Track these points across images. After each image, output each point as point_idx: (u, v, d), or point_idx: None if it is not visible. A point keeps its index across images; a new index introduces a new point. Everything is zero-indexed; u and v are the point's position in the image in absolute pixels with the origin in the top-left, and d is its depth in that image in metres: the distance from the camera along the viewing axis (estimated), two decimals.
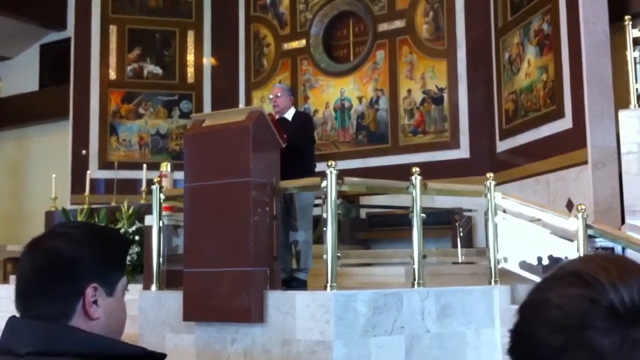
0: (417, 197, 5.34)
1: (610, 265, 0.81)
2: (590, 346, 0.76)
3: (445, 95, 11.27)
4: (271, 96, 6.39)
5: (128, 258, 8.12)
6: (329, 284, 4.79)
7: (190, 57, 13.04)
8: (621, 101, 7.78)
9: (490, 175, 5.97)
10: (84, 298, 1.35)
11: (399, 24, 11.81)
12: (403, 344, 4.90)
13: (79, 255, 1.35)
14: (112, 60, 12.72)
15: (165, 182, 7.82)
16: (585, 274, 0.80)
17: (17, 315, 1.37)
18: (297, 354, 4.73)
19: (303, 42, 12.67)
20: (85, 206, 9.49)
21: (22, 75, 14.17)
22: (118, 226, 8.43)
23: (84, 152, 11.87)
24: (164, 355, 1.40)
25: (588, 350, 0.76)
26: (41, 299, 1.34)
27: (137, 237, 8.17)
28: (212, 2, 13.14)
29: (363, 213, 11.00)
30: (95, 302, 1.36)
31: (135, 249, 8.11)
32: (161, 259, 5.85)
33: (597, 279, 0.79)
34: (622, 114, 7.08)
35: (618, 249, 6.68)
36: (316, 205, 6.10)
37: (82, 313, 1.35)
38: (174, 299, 5.47)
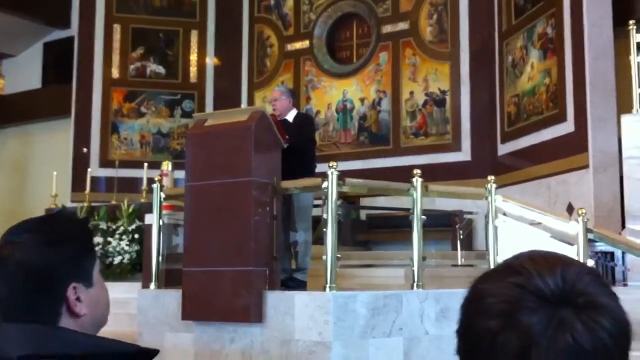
0: (417, 199, 5.33)
1: (537, 257, 0.90)
2: (520, 326, 0.83)
3: (448, 98, 11.26)
4: (270, 99, 6.40)
5: (127, 257, 8.16)
6: (328, 285, 4.78)
7: (193, 57, 13.05)
8: (624, 106, 7.78)
9: (491, 178, 5.96)
10: (66, 301, 1.33)
11: (402, 26, 11.81)
12: (401, 345, 4.89)
13: (48, 264, 1.31)
14: (115, 59, 12.74)
15: (166, 181, 7.82)
16: (514, 265, 0.89)
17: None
18: (295, 354, 4.73)
19: (306, 43, 12.68)
20: (86, 204, 9.49)
21: (25, 73, 14.18)
22: (118, 224, 8.43)
23: (85, 150, 11.87)
24: (157, 351, 1.39)
25: (519, 330, 0.83)
26: (24, 314, 1.31)
27: (136, 236, 8.18)
28: (216, 2, 13.15)
29: (363, 214, 11.00)
30: (78, 299, 1.34)
31: (134, 247, 8.12)
32: (161, 257, 5.84)
33: (525, 268, 0.87)
34: (625, 119, 7.08)
35: (618, 254, 6.67)
36: (316, 206, 6.09)
37: (67, 314, 1.33)
38: (173, 298, 5.46)
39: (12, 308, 1.32)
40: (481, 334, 0.86)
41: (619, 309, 0.86)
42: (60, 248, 1.35)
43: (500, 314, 0.85)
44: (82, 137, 12.32)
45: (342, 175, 5.09)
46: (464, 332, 0.89)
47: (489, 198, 5.86)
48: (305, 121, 6.42)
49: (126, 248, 8.17)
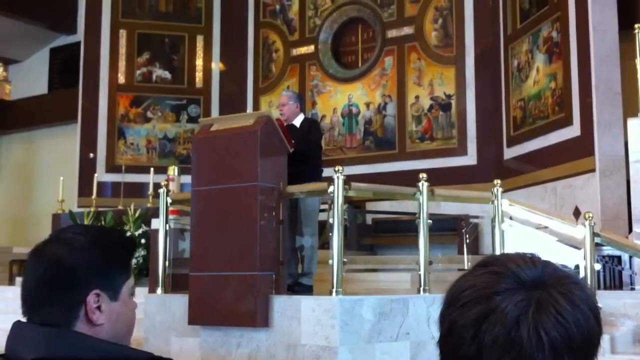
0: (423, 204, 5.33)
1: (508, 253, 0.95)
2: (503, 309, 0.85)
3: (453, 102, 11.26)
4: (278, 104, 6.39)
5: (134, 261, 8.17)
6: (334, 290, 4.79)
7: (199, 62, 13.07)
8: (630, 109, 7.76)
9: (497, 182, 5.95)
10: (85, 305, 1.35)
11: (407, 30, 11.81)
12: (408, 350, 4.89)
13: (78, 264, 1.35)
14: (121, 64, 12.77)
15: (173, 186, 7.83)
16: (488, 259, 0.94)
17: (23, 319, 1.38)
18: (302, 359, 4.72)
19: (312, 47, 12.69)
20: (92, 209, 9.51)
21: (32, 78, 14.23)
22: (124, 229, 8.44)
23: (91, 155, 11.91)
24: None
25: (502, 313, 0.85)
26: (44, 308, 1.34)
27: (143, 241, 8.19)
28: (221, 7, 13.18)
29: (369, 219, 10.99)
30: (99, 307, 1.36)
31: (141, 252, 8.12)
32: (167, 262, 5.85)
33: (499, 259, 0.93)
34: (631, 122, 7.07)
35: (625, 258, 6.65)
36: (322, 211, 6.10)
37: (85, 320, 1.35)
38: (180, 303, 5.47)
39: (35, 300, 1.36)
40: (464, 327, 0.87)
41: (586, 283, 0.92)
42: (94, 253, 1.37)
43: (480, 300, 0.87)
44: (88, 143, 12.34)
45: (348, 180, 5.09)
46: (445, 335, 0.90)
47: (495, 202, 5.85)
48: (312, 126, 6.42)
49: None
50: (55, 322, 1.33)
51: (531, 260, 0.92)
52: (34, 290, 1.36)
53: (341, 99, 12.33)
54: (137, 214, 8.56)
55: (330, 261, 4.87)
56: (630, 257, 6.56)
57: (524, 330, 0.84)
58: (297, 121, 6.17)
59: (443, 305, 0.93)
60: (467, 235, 8.45)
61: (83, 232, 1.41)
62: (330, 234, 4.94)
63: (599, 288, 5.81)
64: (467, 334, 0.87)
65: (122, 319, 1.41)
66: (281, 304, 4.92)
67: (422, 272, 5.22)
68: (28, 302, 1.37)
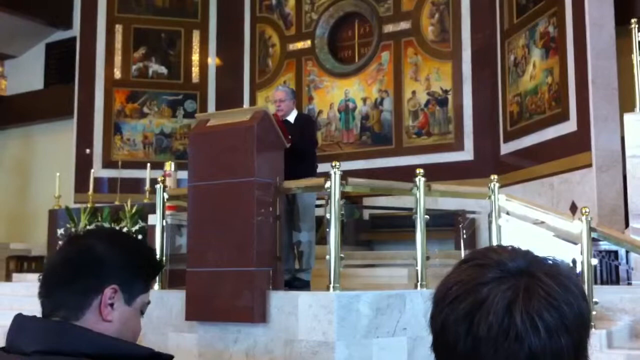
0: (420, 199, 5.33)
1: (492, 247, 0.96)
2: (492, 301, 0.85)
3: (450, 97, 11.26)
4: (274, 99, 6.35)
5: None
6: (331, 285, 4.79)
7: (195, 57, 13.05)
8: (626, 104, 7.77)
9: (494, 177, 5.95)
10: (101, 296, 1.36)
11: (404, 25, 11.80)
12: (405, 345, 4.89)
13: (107, 255, 1.39)
14: (118, 59, 12.74)
15: (169, 182, 7.82)
16: (471, 255, 0.94)
17: (39, 299, 1.41)
18: (299, 354, 4.73)
19: (308, 42, 12.67)
20: (89, 205, 9.49)
21: (28, 73, 14.20)
22: (121, 225, 8.44)
23: (88, 151, 11.89)
24: (171, 357, 1.40)
25: (491, 302, 0.85)
26: (62, 288, 1.37)
27: (140, 236, 8.18)
28: (217, 2, 13.15)
29: (366, 214, 11.00)
30: (111, 305, 1.38)
31: None
32: (164, 258, 5.84)
33: (481, 252, 0.93)
34: (627, 117, 7.08)
35: (622, 253, 6.67)
36: (319, 206, 6.09)
37: (97, 311, 1.37)
38: (177, 299, 5.47)
39: (55, 279, 1.39)
40: (457, 323, 0.86)
41: (568, 265, 0.93)
42: (125, 254, 1.42)
43: (468, 293, 0.86)
44: (84, 138, 12.33)
45: (345, 175, 5.09)
46: (439, 336, 0.89)
47: (492, 197, 5.86)
48: (307, 122, 6.42)
49: None
50: (67, 305, 1.35)
51: (512, 250, 0.92)
52: (57, 269, 1.40)
53: (338, 94, 12.32)
54: (133, 210, 8.55)
55: (327, 256, 4.87)
56: (627, 252, 6.58)
57: (517, 316, 0.83)
58: (291, 117, 6.17)
59: (432, 307, 0.92)
60: (464, 231, 8.46)
61: (124, 235, 1.52)
62: (327, 230, 4.94)
63: (595, 283, 5.81)
64: (461, 328, 0.86)
65: (130, 325, 1.42)
66: (278, 299, 4.92)
67: (419, 267, 5.23)
68: (48, 281, 1.40)
